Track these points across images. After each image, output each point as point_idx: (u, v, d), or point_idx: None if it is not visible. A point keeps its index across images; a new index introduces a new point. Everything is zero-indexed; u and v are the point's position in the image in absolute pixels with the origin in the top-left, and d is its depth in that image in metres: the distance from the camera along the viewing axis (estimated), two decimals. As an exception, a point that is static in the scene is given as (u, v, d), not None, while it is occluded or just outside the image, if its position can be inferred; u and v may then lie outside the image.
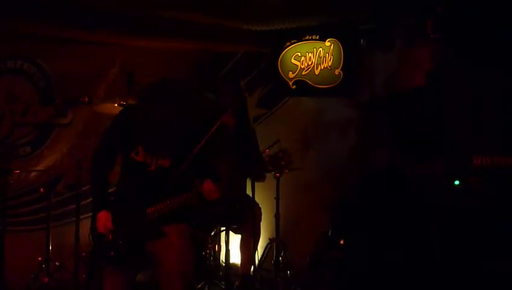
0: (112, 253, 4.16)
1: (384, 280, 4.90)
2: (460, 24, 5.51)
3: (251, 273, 5.96)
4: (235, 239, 6.18)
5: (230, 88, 6.23)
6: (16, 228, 6.50)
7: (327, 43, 6.81)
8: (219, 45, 7.05)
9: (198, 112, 5.87)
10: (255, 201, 6.04)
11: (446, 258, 4.86)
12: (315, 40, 6.89)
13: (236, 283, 6.03)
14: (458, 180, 5.05)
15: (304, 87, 6.93)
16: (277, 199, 6.34)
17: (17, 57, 6.62)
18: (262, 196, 6.31)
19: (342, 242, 5.97)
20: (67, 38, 6.58)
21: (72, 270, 6.04)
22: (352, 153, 6.56)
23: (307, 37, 6.93)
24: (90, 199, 4.47)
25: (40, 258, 6.08)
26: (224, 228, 5.99)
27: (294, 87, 6.98)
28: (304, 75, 6.93)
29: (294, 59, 6.96)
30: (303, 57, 6.92)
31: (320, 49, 6.84)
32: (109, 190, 4.26)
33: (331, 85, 6.79)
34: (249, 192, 6.00)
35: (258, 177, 6.04)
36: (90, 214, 4.24)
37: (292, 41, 6.98)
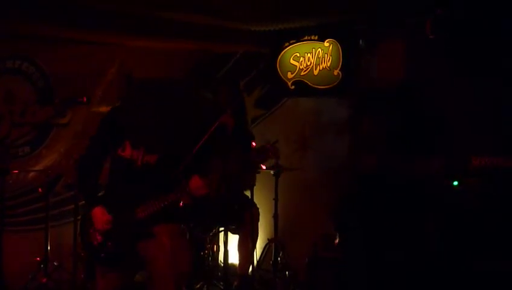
0: (103, 255, 4.16)
1: (383, 280, 4.89)
2: (459, 25, 5.51)
3: (249, 273, 5.97)
4: (234, 240, 6.18)
5: (228, 88, 6.23)
6: (15, 228, 6.49)
7: (326, 44, 6.81)
8: (218, 45, 7.05)
9: (191, 109, 5.89)
10: (254, 202, 6.04)
11: (444, 258, 4.86)
12: (314, 40, 6.89)
13: (235, 283, 6.03)
14: (457, 180, 5.06)
15: (302, 87, 6.93)
16: (275, 199, 6.34)
17: (15, 57, 6.61)
18: (261, 196, 6.32)
19: (336, 242, 5.97)
20: (66, 38, 6.57)
21: (70, 271, 6.04)
22: (351, 154, 6.55)
23: (306, 38, 6.93)
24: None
25: (38, 259, 6.07)
26: (222, 229, 5.99)
27: (293, 87, 6.98)
28: (302, 75, 6.93)
29: (293, 59, 6.96)
30: (302, 58, 6.92)
31: (319, 49, 6.83)
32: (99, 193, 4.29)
33: (330, 86, 6.79)
34: (247, 193, 6.03)
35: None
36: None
37: (291, 42, 6.98)
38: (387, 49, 5.94)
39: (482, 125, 5.64)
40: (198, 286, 5.87)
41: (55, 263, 6.18)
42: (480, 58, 5.62)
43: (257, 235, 6.15)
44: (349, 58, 6.70)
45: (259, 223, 6.16)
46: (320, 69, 6.83)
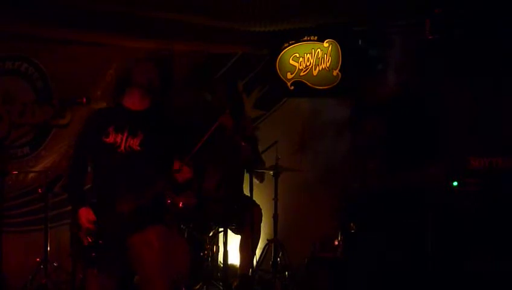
0: (94, 254, 4.12)
1: (382, 281, 4.90)
2: (457, 25, 5.51)
3: (249, 274, 5.97)
4: (233, 240, 6.19)
5: (224, 88, 6.24)
6: (14, 228, 6.48)
7: (325, 44, 6.80)
8: (217, 46, 7.05)
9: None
10: (256, 202, 6.05)
11: (443, 258, 4.87)
12: (313, 41, 6.88)
13: (235, 283, 6.03)
14: (456, 181, 5.06)
15: (302, 88, 6.93)
16: (275, 200, 6.35)
17: (15, 57, 6.59)
18: (261, 197, 6.33)
19: (336, 242, 5.97)
20: (65, 39, 6.57)
21: (69, 271, 6.02)
22: (350, 154, 6.56)
23: (305, 38, 6.92)
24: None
25: (38, 259, 6.07)
26: (222, 229, 6.00)
27: (292, 88, 6.98)
28: (302, 76, 6.92)
29: (292, 60, 6.96)
30: (301, 58, 6.91)
31: (319, 50, 6.83)
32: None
33: (329, 86, 6.78)
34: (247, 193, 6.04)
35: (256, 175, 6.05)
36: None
37: (290, 42, 6.98)
38: (386, 50, 5.95)
39: (481, 126, 5.64)
40: (197, 286, 5.88)
41: (55, 264, 6.17)
42: (478, 59, 5.62)
43: (259, 236, 6.17)
44: (349, 58, 6.69)
45: (260, 223, 6.18)
46: (320, 69, 6.82)
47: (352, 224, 5.56)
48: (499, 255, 4.81)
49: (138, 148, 4.13)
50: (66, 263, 6.06)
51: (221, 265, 6.11)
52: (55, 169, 6.45)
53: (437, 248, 4.66)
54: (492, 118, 5.63)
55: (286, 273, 6.32)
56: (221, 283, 5.93)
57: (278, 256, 6.31)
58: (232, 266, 6.27)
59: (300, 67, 6.92)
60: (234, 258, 6.25)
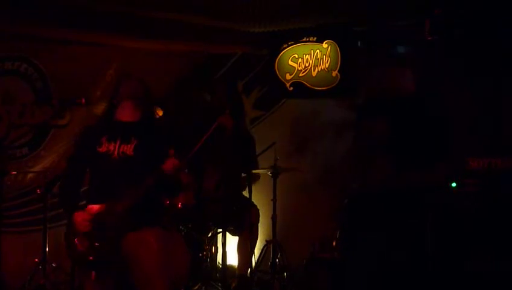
0: (91, 258, 4.14)
1: (382, 281, 4.90)
2: (458, 25, 5.52)
3: (248, 274, 5.97)
4: (232, 241, 6.19)
5: (224, 88, 6.25)
6: (13, 229, 6.47)
7: (324, 45, 6.81)
8: (217, 46, 7.06)
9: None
10: (254, 203, 6.05)
11: (442, 259, 4.87)
12: (312, 41, 6.88)
13: (233, 284, 6.03)
14: (455, 182, 5.06)
15: (301, 89, 6.93)
16: (274, 200, 6.34)
17: (14, 57, 6.59)
18: (259, 197, 6.32)
19: (334, 243, 5.97)
20: (64, 39, 6.56)
21: (68, 272, 6.02)
22: (349, 155, 6.56)
23: (304, 39, 6.92)
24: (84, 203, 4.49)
25: (36, 260, 6.06)
26: (220, 230, 6.00)
27: (291, 88, 6.98)
28: (301, 76, 6.92)
29: (291, 61, 6.96)
30: (300, 59, 6.91)
31: (318, 50, 6.83)
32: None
33: (328, 87, 6.78)
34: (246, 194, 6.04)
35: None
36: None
37: (289, 43, 6.98)
38: (387, 51, 5.95)
39: (480, 126, 5.65)
40: (196, 287, 5.87)
41: (54, 264, 6.15)
42: (478, 59, 5.63)
43: (256, 237, 6.16)
44: (348, 59, 6.70)
45: (258, 224, 6.18)
46: (319, 70, 6.83)
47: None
48: (499, 255, 4.81)
49: (132, 153, 4.25)
50: (64, 263, 6.06)
51: (220, 266, 6.11)
52: (54, 169, 6.45)
53: (437, 248, 4.66)
54: (492, 118, 5.64)
55: (285, 274, 6.32)
56: (219, 284, 5.92)
57: (277, 257, 6.31)
58: (231, 267, 6.26)
59: (300, 68, 6.92)
60: (233, 259, 6.24)
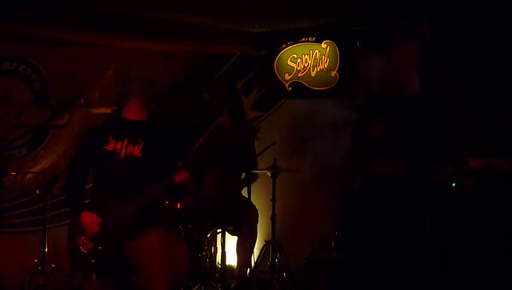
0: (93, 260, 4.14)
1: (381, 281, 4.90)
2: (458, 25, 5.52)
3: (247, 275, 5.97)
4: (232, 241, 6.19)
5: (224, 89, 6.24)
6: (12, 229, 6.47)
7: (323, 45, 6.81)
8: (215, 46, 7.05)
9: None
10: (252, 203, 6.05)
11: (441, 259, 4.87)
12: (311, 42, 6.89)
13: (233, 284, 6.03)
14: (455, 182, 5.06)
15: (300, 89, 6.93)
16: (273, 200, 6.34)
17: (12, 58, 6.57)
18: (258, 197, 6.32)
19: (332, 244, 5.97)
20: (63, 40, 6.56)
21: (68, 272, 6.02)
22: (348, 155, 6.55)
23: (303, 39, 6.93)
24: (88, 200, 4.47)
25: (36, 260, 6.05)
26: (220, 230, 6.00)
27: (290, 89, 6.98)
28: (300, 77, 6.93)
29: (290, 61, 6.96)
30: (299, 59, 6.92)
31: (317, 51, 6.83)
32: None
33: (327, 87, 6.79)
34: (245, 194, 6.04)
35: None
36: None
37: (288, 43, 6.98)
38: (387, 50, 5.95)
39: (480, 126, 5.65)
40: (196, 287, 5.87)
41: (53, 265, 6.15)
42: (477, 59, 5.63)
43: (256, 237, 6.16)
44: (347, 59, 6.70)
45: (257, 224, 6.18)
46: (318, 70, 6.83)
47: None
48: (499, 255, 4.82)
49: (139, 154, 4.22)
50: (64, 264, 6.06)
51: (219, 266, 6.11)
52: (53, 170, 6.44)
53: (436, 248, 4.66)
54: (491, 118, 5.64)
55: (284, 274, 6.33)
56: (219, 284, 5.92)
57: (276, 257, 6.31)
58: (230, 267, 6.27)
59: (298, 68, 6.92)
60: (232, 259, 6.24)
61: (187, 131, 5.53)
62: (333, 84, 6.74)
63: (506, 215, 4.90)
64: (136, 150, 4.26)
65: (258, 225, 6.23)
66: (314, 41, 6.86)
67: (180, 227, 5.92)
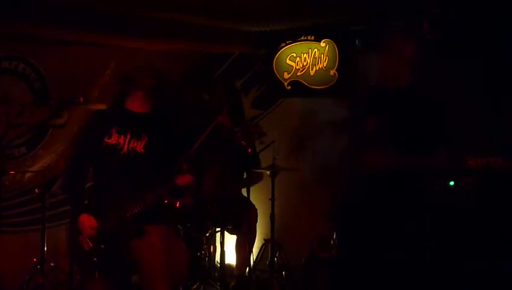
0: (95, 258, 4.11)
1: (381, 280, 4.90)
2: (458, 25, 5.52)
3: (246, 274, 5.98)
4: (231, 240, 6.19)
5: (224, 88, 6.24)
6: (11, 228, 6.46)
7: (322, 44, 6.81)
8: (214, 45, 7.05)
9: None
10: (252, 202, 6.05)
11: (441, 258, 4.87)
12: (310, 40, 6.89)
13: (232, 283, 6.04)
14: (453, 180, 5.06)
15: (299, 87, 6.93)
16: (272, 199, 6.34)
17: (12, 57, 6.57)
18: (258, 196, 6.33)
19: (332, 243, 5.97)
20: (62, 39, 6.55)
21: (67, 271, 6.02)
22: (347, 154, 6.55)
23: (302, 38, 6.93)
24: (87, 201, 4.46)
25: (35, 259, 6.04)
26: (219, 229, 6.00)
27: (289, 88, 6.98)
28: (299, 75, 6.93)
29: (289, 60, 6.96)
30: (298, 58, 6.92)
31: (316, 49, 6.84)
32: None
33: (326, 86, 6.80)
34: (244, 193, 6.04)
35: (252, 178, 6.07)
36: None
37: (287, 42, 6.98)
38: (386, 49, 5.96)
39: (480, 125, 5.66)
40: (195, 286, 5.88)
41: (52, 264, 6.15)
42: (477, 59, 5.64)
43: (255, 236, 6.17)
44: (346, 58, 6.70)
45: (256, 223, 6.18)
46: (317, 69, 6.84)
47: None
48: (499, 255, 4.83)
49: (142, 150, 4.16)
50: (63, 263, 6.07)
51: (218, 265, 6.12)
52: (52, 169, 6.44)
53: (436, 248, 4.66)
54: (491, 118, 5.65)
55: (283, 273, 6.32)
56: (218, 283, 5.93)
57: (275, 256, 6.31)
58: (229, 266, 6.27)
59: (297, 67, 6.93)
60: (231, 258, 6.25)
61: (187, 130, 5.52)
62: (332, 83, 6.75)
63: (505, 215, 4.91)
64: (139, 146, 4.18)
65: (258, 224, 6.24)
66: (313, 40, 6.87)
67: (179, 226, 5.92)
